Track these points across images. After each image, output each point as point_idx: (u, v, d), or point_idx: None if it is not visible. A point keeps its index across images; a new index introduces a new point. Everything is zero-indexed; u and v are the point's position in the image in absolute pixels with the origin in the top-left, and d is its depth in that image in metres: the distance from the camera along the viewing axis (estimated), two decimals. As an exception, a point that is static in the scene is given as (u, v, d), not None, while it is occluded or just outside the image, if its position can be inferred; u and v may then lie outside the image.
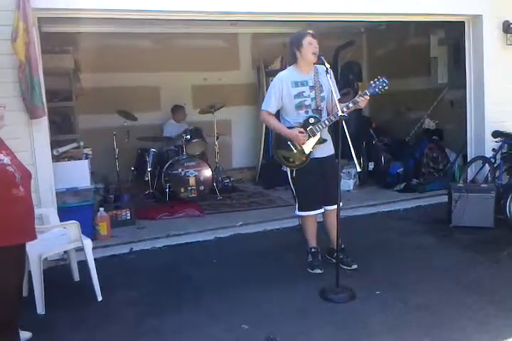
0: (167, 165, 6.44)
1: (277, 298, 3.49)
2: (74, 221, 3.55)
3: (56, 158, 4.79)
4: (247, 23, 6.81)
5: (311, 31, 3.78)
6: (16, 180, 2.65)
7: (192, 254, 4.50)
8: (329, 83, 3.67)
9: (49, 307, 3.36)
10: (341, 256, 3.92)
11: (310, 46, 3.72)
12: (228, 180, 7.17)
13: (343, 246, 3.98)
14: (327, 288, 3.52)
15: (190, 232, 5.08)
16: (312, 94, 3.80)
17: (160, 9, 4.49)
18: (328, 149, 3.92)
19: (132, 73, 7.18)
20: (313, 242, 4.04)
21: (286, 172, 4.00)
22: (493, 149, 5.43)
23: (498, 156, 5.34)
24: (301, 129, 3.76)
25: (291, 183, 3.98)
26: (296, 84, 3.81)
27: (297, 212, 3.99)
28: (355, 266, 3.88)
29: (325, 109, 3.88)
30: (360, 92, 3.79)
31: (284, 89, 3.81)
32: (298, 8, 4.89)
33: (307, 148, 3.79)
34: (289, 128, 3.82)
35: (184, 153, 6.53)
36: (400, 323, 3.09)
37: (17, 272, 2.75)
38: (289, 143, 3.81)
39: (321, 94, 3.80)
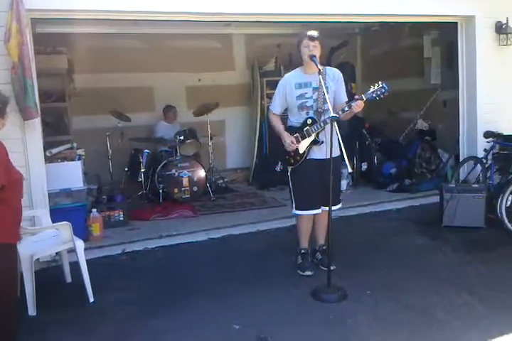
0: (161, 165, 6.44)
1: (269, 298, 3.50)
2: (66, 222, 3.54)
3: (49, 159, 4.78)
4: (241, 24, 6.81)
5: (310, 33, 3.72)
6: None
7: (185, 255, 4.50)
8: (335, 85, 3.77)
9: (40, 308, 3.36)
10: (321, 257, 4.02)
11: (305, 49, 3.72)
12: (222, 181, 7.19)
13: (324, 247, 4.04)
14: (319, 288, 3.54)
15: (183, 233, 5.08)
16: (314, 96, 3.78)
17: (154, 10, 4.48)
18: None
19: (126, 74, 7.18)
20: (304, 243, 4.05)
21: (280, 172, 4.01)
22: (485, 149, 5.46)
23: (490, 157, 5.37)
24: (294, 139, 3.80)
25: (289, 182, 4.00)
26: (299, 85, 3.82)
27: (293, 211, 4.01)
28: (332, 268, 3.63)
29: (329, 111, 3.66)
30: (357, 96, 3.74)
31: (288, 90, 3.85)
32: (291, 9, 4.89)
33: (301, 147, 3.83)
34: (292, 127, 3.88)
35: (178, 154, 6.54)
36: (390, 323, 3.11)
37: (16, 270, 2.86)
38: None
39: (325, 96, 3.67)
